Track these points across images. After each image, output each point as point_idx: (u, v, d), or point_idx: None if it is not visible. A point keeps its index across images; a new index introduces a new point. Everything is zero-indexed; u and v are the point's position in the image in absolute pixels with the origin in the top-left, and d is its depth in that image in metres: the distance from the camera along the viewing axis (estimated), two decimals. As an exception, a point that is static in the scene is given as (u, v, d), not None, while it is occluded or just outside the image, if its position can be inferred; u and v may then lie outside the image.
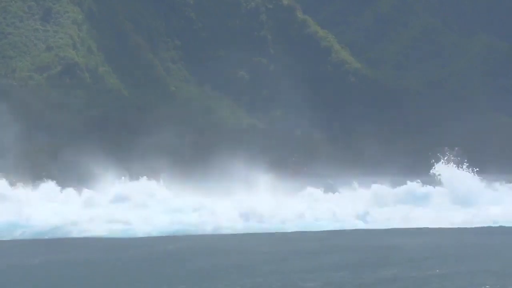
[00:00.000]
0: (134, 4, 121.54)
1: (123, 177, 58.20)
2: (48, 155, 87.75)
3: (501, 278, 29.33)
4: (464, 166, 57.85)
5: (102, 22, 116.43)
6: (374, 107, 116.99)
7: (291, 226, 48.21)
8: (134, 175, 59.43)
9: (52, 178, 57.67)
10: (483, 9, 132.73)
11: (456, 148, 59.62)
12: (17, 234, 45.15)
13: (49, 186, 56.68)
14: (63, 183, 57.59)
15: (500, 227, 49.02)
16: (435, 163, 58.32)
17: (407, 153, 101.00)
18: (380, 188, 58.13)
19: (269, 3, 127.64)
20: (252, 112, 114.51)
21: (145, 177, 57.60)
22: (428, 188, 58.00)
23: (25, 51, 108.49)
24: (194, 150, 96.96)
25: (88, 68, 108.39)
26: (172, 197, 56.39)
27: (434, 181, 57.86)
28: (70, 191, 56.24)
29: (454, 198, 56.21)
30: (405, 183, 58.68)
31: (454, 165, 57.96)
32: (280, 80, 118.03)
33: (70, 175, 60.94)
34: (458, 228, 48.49)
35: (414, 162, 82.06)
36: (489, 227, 48.96)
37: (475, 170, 57.59)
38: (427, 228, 47.90)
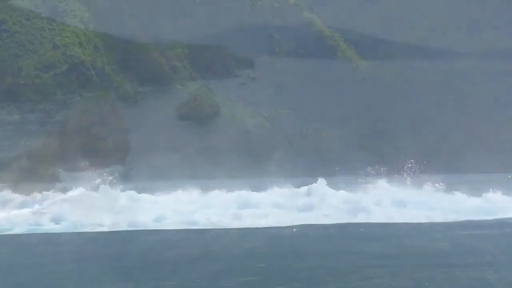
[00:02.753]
0: (140, 2, 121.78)
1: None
2: (55, 154, 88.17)
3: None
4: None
5: (108, 20, 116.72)
6: (380, 106, 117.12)
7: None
8: (138, 174, 59.99)
9: (59, 178, 58.24)
10: (488, 8, 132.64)
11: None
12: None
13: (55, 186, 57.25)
14: (70, 182, 58.06)
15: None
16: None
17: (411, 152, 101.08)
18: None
19: (276, 2, 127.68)
20: (258, 111, 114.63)
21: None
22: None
23: (31, 50, 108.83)
24: (199, 149, 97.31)
25: (95, 67, 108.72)
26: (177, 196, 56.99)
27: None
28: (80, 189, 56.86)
29: None
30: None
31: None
32: (286, 79, 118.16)
33: (77, 175, 61.38)
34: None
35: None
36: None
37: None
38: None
